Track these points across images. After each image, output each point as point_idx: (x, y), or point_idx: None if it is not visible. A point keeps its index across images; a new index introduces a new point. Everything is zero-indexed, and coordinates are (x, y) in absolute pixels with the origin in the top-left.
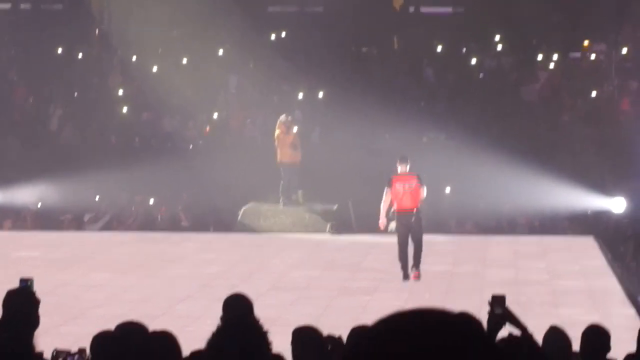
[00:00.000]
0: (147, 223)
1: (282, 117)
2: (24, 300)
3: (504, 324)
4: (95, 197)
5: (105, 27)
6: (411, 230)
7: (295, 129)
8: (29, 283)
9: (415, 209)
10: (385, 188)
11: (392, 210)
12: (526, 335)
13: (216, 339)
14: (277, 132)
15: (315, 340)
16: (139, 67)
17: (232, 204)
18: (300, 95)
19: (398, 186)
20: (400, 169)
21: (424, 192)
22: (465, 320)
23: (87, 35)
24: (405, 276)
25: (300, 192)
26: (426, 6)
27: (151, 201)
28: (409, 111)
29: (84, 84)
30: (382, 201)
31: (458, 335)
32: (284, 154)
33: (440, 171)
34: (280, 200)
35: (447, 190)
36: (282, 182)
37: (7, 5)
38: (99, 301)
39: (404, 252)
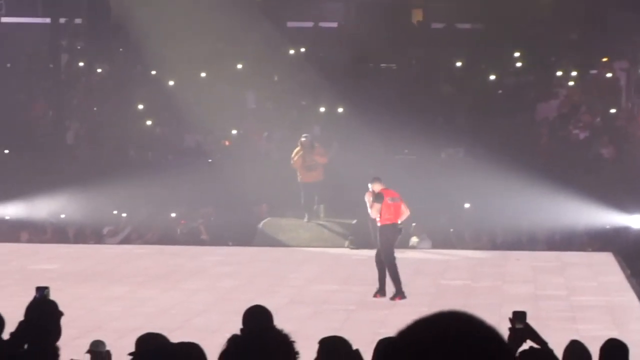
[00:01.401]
0: (167, 237)
1: (301, 138)
2: (47, 310)
3: (525, 339)
4: (114, 211)
5: (125, 42)
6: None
7: (314, 147)
8: (45, 292)
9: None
10: (375, 203)
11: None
12: (546, 350)
13: (234, 349)
14: (294, 152)
15: (344, 349)
16: (158, 82)
17: (251, 218)
18: (322, 109)
19: (389, 200)
20: (378, 187)
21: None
22: (490, 334)
23: (107, 50)
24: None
25: (322, 207)
26: (445, 22)
27: (172, 215)
28: (427, 127)
29: (103, 98)
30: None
31: (483, 351)
32: (302, 174)
33: (459, 187)
34: (306, 216)
35: (467, 205)
36: (302, 199)
37: (32, 20)
38: (116, 314)
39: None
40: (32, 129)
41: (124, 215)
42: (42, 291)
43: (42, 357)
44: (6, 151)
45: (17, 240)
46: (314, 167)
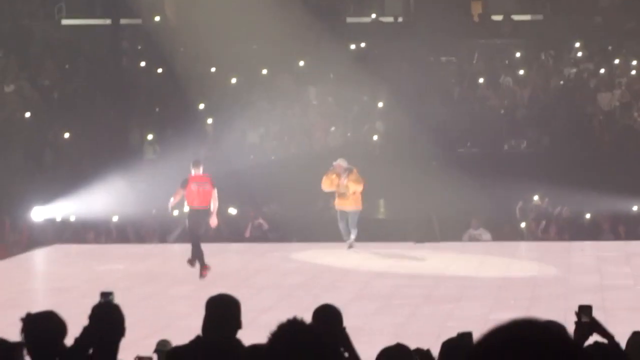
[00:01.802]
0: (233, 234)
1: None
2: (111, 315)
3: (591, 333)
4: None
5: (184, 41)
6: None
7: (349, 172)
8: (110, 297)
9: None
10: (178, 188)
11: None
12: (613, 344)
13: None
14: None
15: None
16: (217, 80)
17: (315, 213)
18: (380, 105)
19: (193, 186)
20: (194, 171)
21: (215, 192)
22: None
23: (166, 50)
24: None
25: (381, 201)
26: (504, 14)
27: (234, 212)
28: (489, 119)
29: (164, 98)
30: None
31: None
32: (336, 200)
33: (523, 179)
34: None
35: (535, 198)
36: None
37: (92, 21)
38: (183, 313)
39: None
40: (95, 129)
41: (175, 213)
42: (106, 296)
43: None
44: (66, 135)
45: (83, 241)
46: (345, 194)
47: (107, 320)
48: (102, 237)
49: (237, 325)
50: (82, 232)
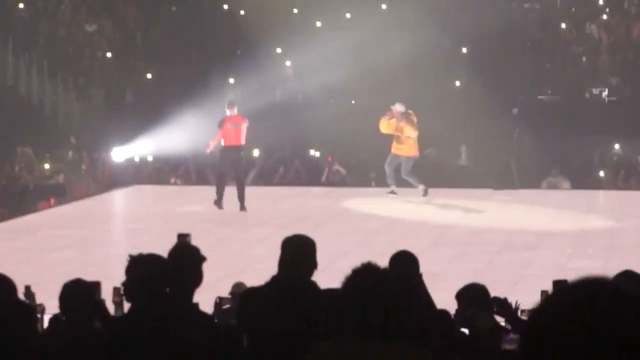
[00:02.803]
0: (311, 178)
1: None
2: (189, 255)
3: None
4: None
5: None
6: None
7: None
8: (187, 239)
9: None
10: (216, 129)
11: None
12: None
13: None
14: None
15: (483, 298)
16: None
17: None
18: (464, 51)
19: (229, 125)
20: (229, 112)
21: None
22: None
23: None
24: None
25: (463, 147)
26: None
27: (317, 154)
28: (570, 67)
29: (245, 40)
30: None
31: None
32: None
33: (604, 127)
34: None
35: (617, 146)
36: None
37: None
38: (261, 256)
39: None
40: (176, 71)
41: (256, 153)
42: (184, 238)
43: (183, 302)
44: (148, 76)
45: (162, 182)
46: (400, 138)
47: (184, 261)
48: (181, 179)
49: (313, 265)
50: (161, 173)
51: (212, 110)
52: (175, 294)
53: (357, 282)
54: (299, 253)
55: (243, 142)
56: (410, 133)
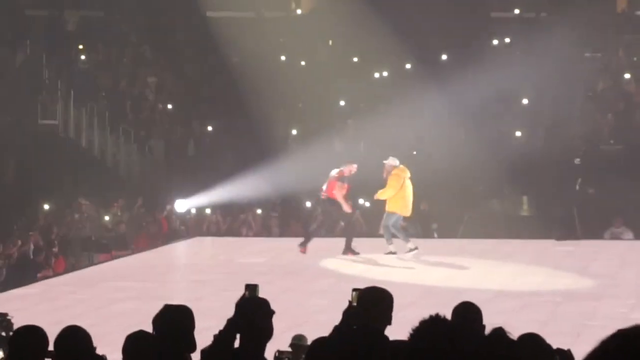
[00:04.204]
0: (372, 229)
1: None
2: (260, 309)
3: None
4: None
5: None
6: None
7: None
8: (256, 290)
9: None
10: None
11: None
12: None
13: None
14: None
15: (543, 349)
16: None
17: (454, 211)
18: (525, 102)
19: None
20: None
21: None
22: None
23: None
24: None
25: (525, 199)
26: None
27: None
28: (633, 116)
29: (307, 89)
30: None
31: None
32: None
33: None
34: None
35: None
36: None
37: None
38: (322, 307)
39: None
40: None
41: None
42: (252, 289)
43: (254, 356)
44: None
45: (224, 234)
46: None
47: (255, 314)
48: (244, 230)
49: (387, 321)
50: (223, 224)
51: (276, 161)
52: (246, 347)
53: (424, 334)
54: (376, 306)
55: (332, 195)
56: (380, 194)
